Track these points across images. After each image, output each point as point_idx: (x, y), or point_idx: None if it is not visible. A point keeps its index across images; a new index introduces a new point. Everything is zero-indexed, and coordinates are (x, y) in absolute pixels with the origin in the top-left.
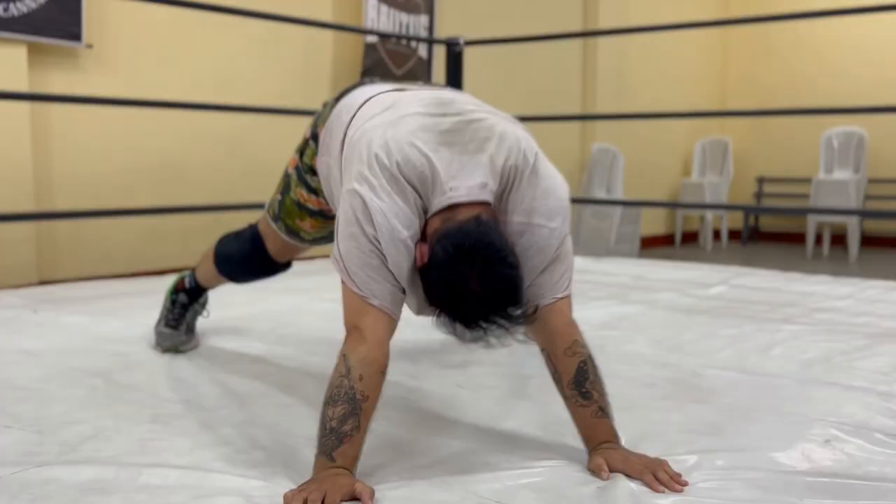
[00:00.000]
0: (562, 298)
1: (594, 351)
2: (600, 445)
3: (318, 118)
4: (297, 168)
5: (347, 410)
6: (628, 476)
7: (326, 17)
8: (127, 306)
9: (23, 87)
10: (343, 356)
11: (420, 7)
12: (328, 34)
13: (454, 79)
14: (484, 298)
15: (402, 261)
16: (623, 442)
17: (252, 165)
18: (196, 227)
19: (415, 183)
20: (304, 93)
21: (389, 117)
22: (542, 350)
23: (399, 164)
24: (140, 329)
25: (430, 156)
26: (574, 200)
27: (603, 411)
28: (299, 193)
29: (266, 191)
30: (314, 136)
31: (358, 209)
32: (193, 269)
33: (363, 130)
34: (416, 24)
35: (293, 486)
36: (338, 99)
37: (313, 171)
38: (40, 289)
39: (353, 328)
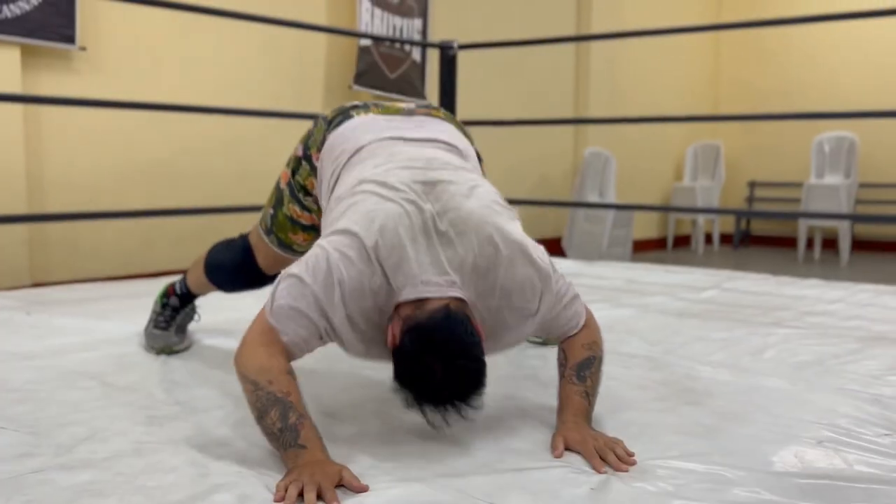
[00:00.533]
0: (581, 328)
1: None
2: (567, 420)
3: (310, 139)
4: (289, 184)
5: (281, 409)
6: (583, 457)
7: (320, 20)
8: (121, 308)
9: (16, 88)
10: (242, 375)
11: (414, 11)
12: (322, 37)
13: (448, 83)
14: (447, 388)
15: (348, 335)
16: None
17: (245, 168)
18: (189, 230)
19: (386, 267)
20: (297, 96)
21: (377, 192)
22: (560, 344)
23: (377, 245)
24: (134, 331)
25: (406, 246)
26: (567, 204)
27: (588, 396)
28: (292, 210)
29: (259, 194)
30: (307, 157)
31: (321, 270)
32: (184, 275)
33: (351, 200)
34: (410, 27)
35: None
36: (330, 123)
37: (306, 191)
38: (33, 291)
39: (246, 346)
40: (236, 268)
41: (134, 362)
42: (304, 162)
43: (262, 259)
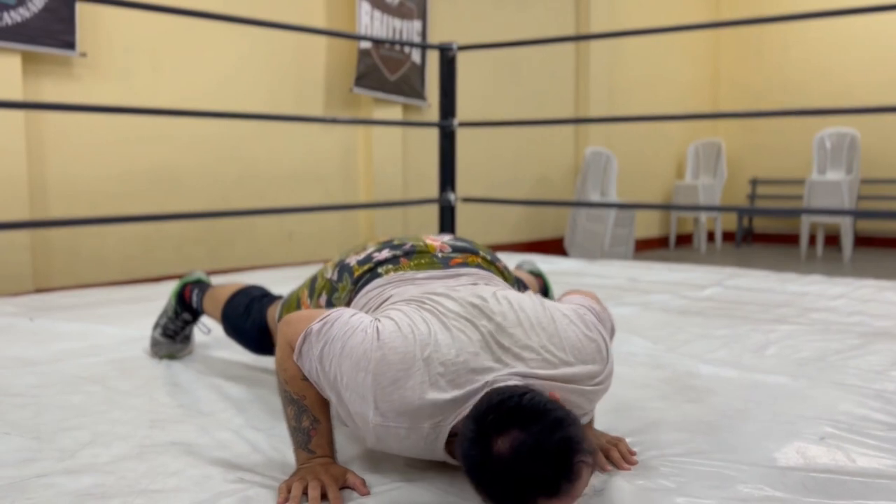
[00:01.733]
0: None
1: None
2: None
3: (334, 293)
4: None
5: (296, 410)
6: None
7: (320, 23)
8: (123, 313)
9: (17, 95)
10: (277, 356)
11: (413, 13)
12: (322, 40)
13: (448, 84)
14: (548, 475)
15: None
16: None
17: (246, 172)
18: (191, 233)
19: (444, 373)
20: (298, 99)
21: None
22: None
23: (430, 354)
24: (136, 336)
25: (467, 359)
26: (568, 204)
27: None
28: (303, 293)
29: (260, 196)
30: (329, 304)
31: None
32: (202, 296)
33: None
34: (410, 29)
35: None
36: (356, 282)
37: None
38: (36, 297)
39: (281, 332)
40: (252, 341)
41: (136, 367)
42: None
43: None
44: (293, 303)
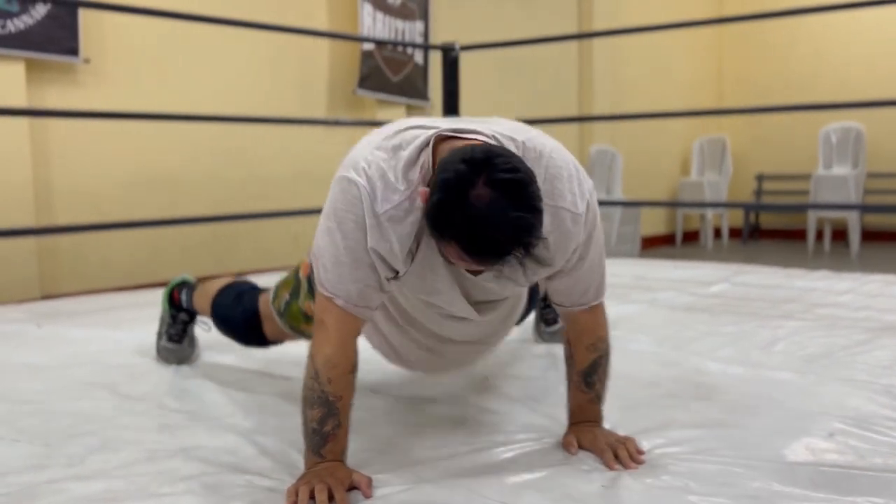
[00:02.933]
0: (595, 305)
1: None
2: (578, 423)
3: None
4: (308, 279)
5: (324, 413)
6: (594, 453)
7: (322, 25)
8: (130, 318)
9: (21, 103)
10: (310, 357)
11: (415, 13)
12: (324, 43)
13: (451, 84)
14: (495, 204)
15: (396, 260)
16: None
17: (251, 174)
18: (196, 238)
19: (416, 146)
20: (301, 101)
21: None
22: (566, 337)
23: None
24: (143, 340)
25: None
26: None
27: (598, 399)
28: (308, 306)
29: (265, 198)
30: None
31: (344, 199)
32: (191, 294)
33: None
34: (412, 30)
35: None
36: None
37: None
38: (43, 303)
39: (320, 322)
40: (242, 330)
41: (144, 371)
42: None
43: (269, 328)
44: (290, 276)
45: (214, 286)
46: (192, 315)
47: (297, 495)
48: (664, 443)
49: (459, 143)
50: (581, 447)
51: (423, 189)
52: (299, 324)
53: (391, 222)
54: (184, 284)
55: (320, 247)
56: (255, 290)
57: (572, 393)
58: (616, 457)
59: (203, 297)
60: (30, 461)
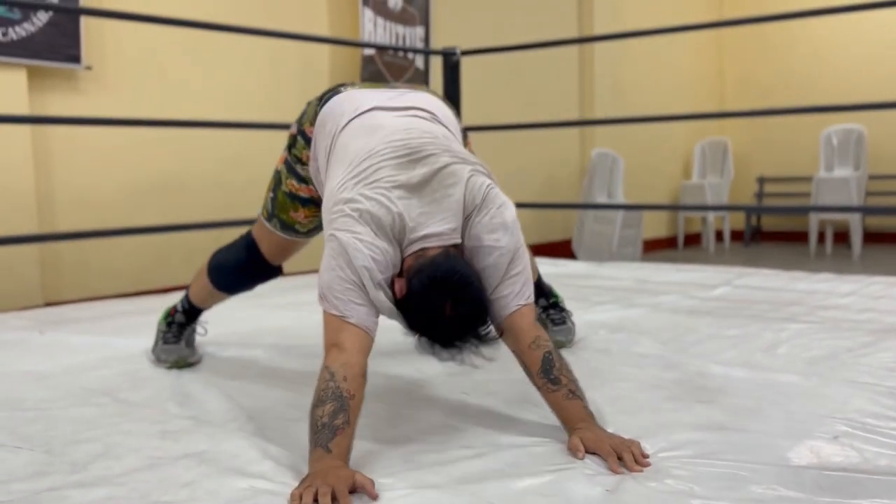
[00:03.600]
0: (525, 305)
1: (599, 354)
2: (577, 426)
3: (304, 116)
4: (286, 162)
5: (336, 406)
6: (600, 457)
7: (323, 31)
8: (132, 325)
9: (23, 110)
10: (325, 367)
11: (416, 19)
12: (325, 48)
13: (452, 89)
14: (457, 321)
15: (379, 296)
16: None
17: (253, 180)
18: (199, 244)
19: (388, 232)
20: (302, 106)
21: (365, 168)
22: (513, 351)
23: (377, 217)
24: (146, 347)
25: (402, 212)
26: (575, 206)
27: (573, 393)
28: (290, 184)
29: None
30: (301, 132)
31: (340, 255)
32: (186, 292)
33: (342, 180)
34: (413, 35)
35: None
36: (321, 100)
37: (302, 163)
38: (46, 310)
39: (332, 346)
40: (242, 263)
41: (147, 378)
42: (299, 136)
43: (266, 248)
44: (271, 181)
45: (203, 265)
46: (188, 316)
47: (300, 499)
48: (667, 446)
49: (430, 251)
50: (587, 450)
51: (399, 281)
52: (287, 213)
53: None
54: (178, 300)
55: (327, 282)
56: (245, 233)
57: (547, 399)
58: (620, 460)
59: (197, 279)
60: (32, 468)
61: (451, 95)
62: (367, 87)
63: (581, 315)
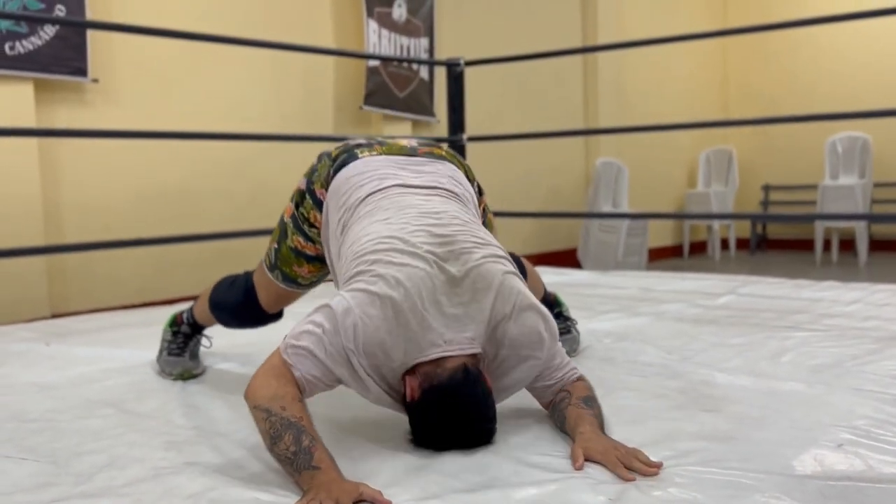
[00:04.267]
0: (576, 382)
1: (604, 363)
2: (585, 431)
3: (314, 174)
4: (293, 217)
5: (294, 433)
6: (607, 468)
7: (328, 42)
8: (138, 336)
9: (30, 122)
10: (254, 408)
11: (420, 30)
12: (330, 60)
13: (456, 99)
14: (462, 444)
15: (369, 382)
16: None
17: (258, 191)
18: (205, 255)
19: (409, 330)
20: (308, 118)
21: (399, 250)
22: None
23: (402, 309)
24: (151, 358)
25: (428, 309)
26: (580, 215)
27: (598, 418)
28: (297, 241)
29: (272, 215)
30: (310, 192)
31: (342, 323)
32: (192, 306)
33: (372, 257)
34: (417, 46)
35: None
36: (335, 160)
37: (310, 223)
38: (52, 322)
39: (261, 377)
40: (238, 307)
41: (151, 389)
42: (308, 196)
43: (264, 297)
44: (276, 231)
45: (209, 287)
46: (193, 329)
47: None
48: (672, 455)
49: (450, 362)
50: (590, 459)
51: (412, 383)
52: (291, 267)
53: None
54: (186, 310)
55: (302, 331)
56: (248, 273)
57: (570, 411)
58: (629, 467)
59: (201, 300)
60: (37, 479)
61: (456, 105)
62: (385, 153)
63: (585, 324)
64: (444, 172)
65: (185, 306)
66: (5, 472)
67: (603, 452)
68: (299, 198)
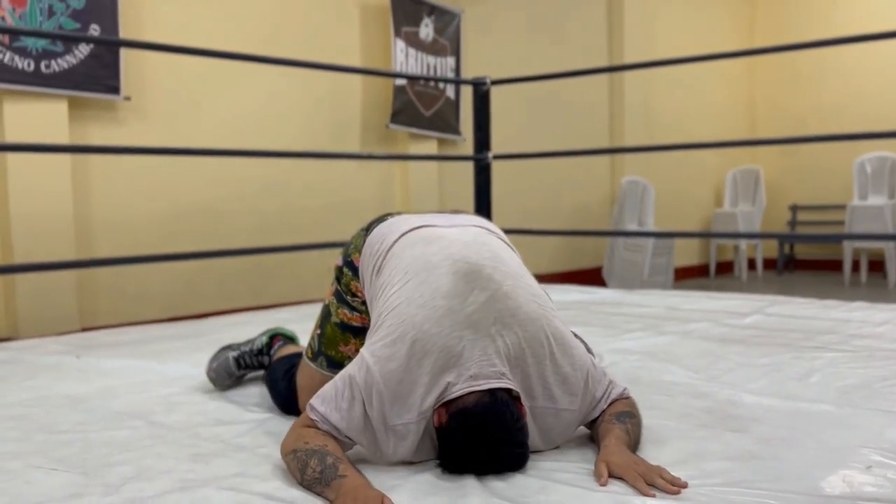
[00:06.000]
0: (618, 400)
1: (629, 382)
2: (609, 444)
3: (351, 247)
4: (335, 293)
5: (319, 457)
6: (627, 483)
7: (355, 61)
8: (166, 350)
9: (63, 139)
10: (284, 455)
11: (447, 49)
12: (357, 78)
13: (482, 117)
14: (490, 469)
15: (389, 440)
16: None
17: (287, 208)
18: (234, 270)
19: (434, 370)
20: (336, 136)
21: (418, 295)
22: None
23: (425, 352)
24: (179, 372)
25: (453, 346)
26: (606, 233)
27: (628, 434)
28: (342, 314)
29: (300, 231)
30: (348, 263)
31: (359, 386)
32: (285, 345)
33: (395, 297)
34: (444, 65)
35: None
36: (367, 229)
37: (353, 293)
38: (82, 335)
39: (291, 432)
40: (279, 400)
41: (179, 402)
42: (346, 268)
43: (305, 399)
44: (318, 319)
45: (286, 350)
46: (263, 365)
47: None
48: (697, 475)
49: (469, 398)
50: (612, 475)
51: (441, 412)
52: (336, 347)
53: (394, 434)
54: (289, 339)
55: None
56: (290, 372)
57: (601, 424)
58: (652, 484)
59: (279, 354)
60: (67, 490)
61: (481, 124)
62: (415, 214)
63: (611, 343)
64: (479, 220)
65: (286, 332)
66: (36, 483)
67: (623, 466)
68: (338, 273)
